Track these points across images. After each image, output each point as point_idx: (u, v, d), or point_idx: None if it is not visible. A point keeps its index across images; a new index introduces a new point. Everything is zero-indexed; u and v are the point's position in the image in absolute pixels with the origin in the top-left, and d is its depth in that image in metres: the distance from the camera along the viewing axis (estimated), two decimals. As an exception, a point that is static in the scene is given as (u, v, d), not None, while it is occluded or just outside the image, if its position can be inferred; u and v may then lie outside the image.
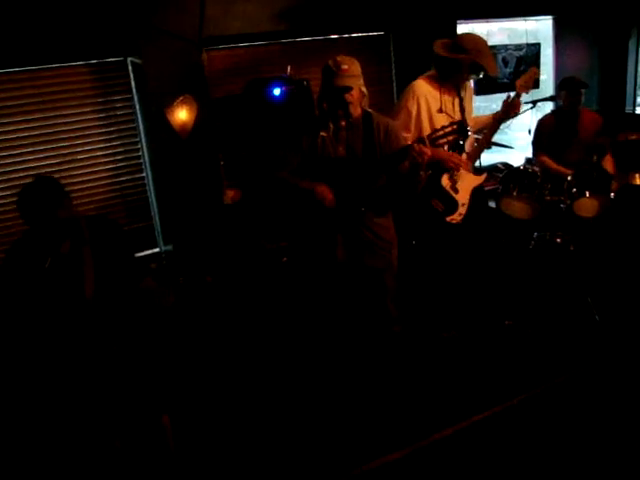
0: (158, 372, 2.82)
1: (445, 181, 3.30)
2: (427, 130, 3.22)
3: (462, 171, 3.31)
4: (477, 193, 3.45)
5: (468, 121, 3.39)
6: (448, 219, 3.30)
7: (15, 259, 2.63)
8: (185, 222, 4.44)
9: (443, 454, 2.76)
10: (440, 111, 3.31)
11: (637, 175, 4.37)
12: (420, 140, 2.66)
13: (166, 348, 2.97)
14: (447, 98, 3.34)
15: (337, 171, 2.82)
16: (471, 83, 3.60)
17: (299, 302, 3.53)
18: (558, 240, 4.04)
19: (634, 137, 4.08)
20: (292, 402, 3.22)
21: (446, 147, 3.20)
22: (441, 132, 2.73)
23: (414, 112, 3.29)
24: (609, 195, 3.91)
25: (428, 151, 2.64)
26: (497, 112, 3.47)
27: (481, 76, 3.37)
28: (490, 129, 3.42)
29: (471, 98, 3.58)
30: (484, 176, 3.45)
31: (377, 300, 3.11)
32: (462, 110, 3.38)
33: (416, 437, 2.84)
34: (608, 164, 4.22)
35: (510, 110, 3.39)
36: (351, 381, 3.22)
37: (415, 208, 3.37)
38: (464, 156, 3.32)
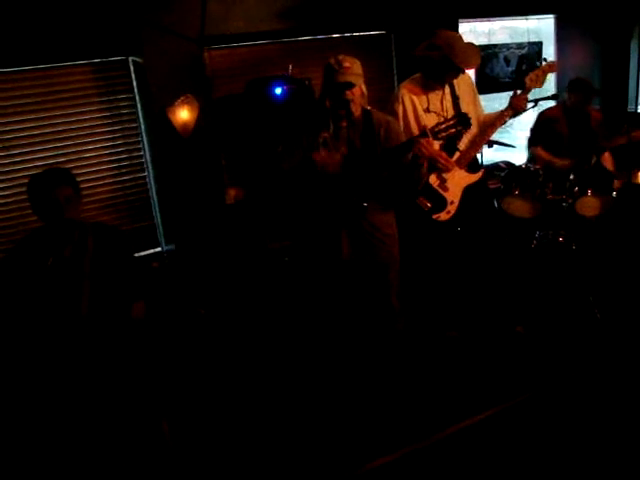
0: (156, 376, 2.81)
1: (433, 179, 3.29)
2: (415, 130, 3.21)
3: (453, 169, 3.29)
4: (480, 191, 3.42)
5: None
6: (434, 217, 3.29)
7: (17, 256, 2.63)
8: (187, 221, 4.44)
9: (443, 454, 2.76)
10: (427, 110, 3.30)
11: (639, 174, 4.37)
12: (423, 134, 2.66)
13: (166, 351, 2.96)
14: (434, 97, 3.32)
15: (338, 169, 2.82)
16: (472, 81, 3.53)
17: (303, 300, 3.54)
18: (560, 239, 4.04)
19: (636, 135, 4.07)
20: (294, 400, 3.22)
21: (439, 144, 3.19)
22: (443, 125, 2.73)
23: (400, 113, 3.29)
24: (611, 194, 3.91)
25: (431, 143, 2.64)
26: (504, 109, 3.41)
27: (468, 71, 3.32)
28: (492, 127, 3.38)
29: (473, 97, 3.52)
30: (479, 174, 3.39)
31: (381, 296, 3.11)
32: (456, 108, 3.33)
33: (417, 437, 2.84)
34: (607, 162, 4.22)
35: (516, 107, 3.36)
36: (353, 380, 3.22)
37: (402, 206, 3.35)
38: (457, 155, 3.30)
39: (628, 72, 6.25)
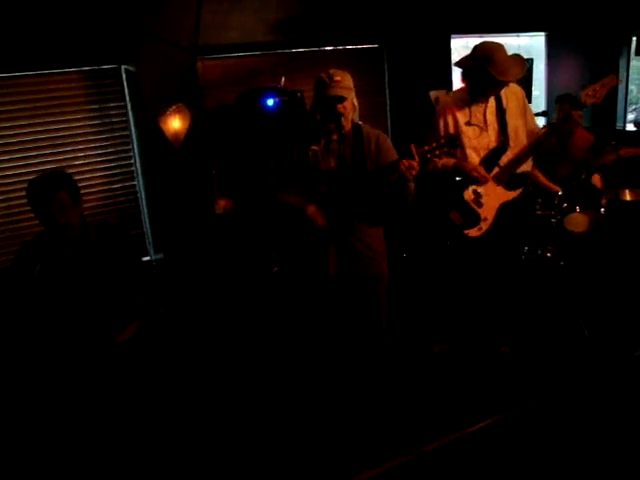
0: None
1: (468, 194, 3.24)
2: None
3: (491, 184, 3.23)
4: (514, 208, 3.33)
5: (516, 133, 3.28)
6: (465, 232, 3.26)
7: (19, 260, 2.62)
8: (176, 230, 4.42)
9: (429, 468, 2.74)
10: (469, 124, 3.24)
11: (627, 191, 4.41)
12: (410, 155, 2.64)
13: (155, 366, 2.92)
14: (477, 110, 3.24)
15: (327, 183, 2.82)
16: (523, 94, 3.38)
17: (289, 312, 3.52)
18: (548, 255, 4.06)
19: (624, 153, 4.11)
20: (279, 413, 3.20)
21: (478, 160, 3.16)
22: (431, 146, 2.69)
23: (441, 126, 3.25)
24: (599, 210, 3.94)
25: (415, 164, 2.62)
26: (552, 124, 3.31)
27: (508, 84, 3.18)
28: (536, 142, 3.24)
29: (522, 110, 3.34)
30: (518, 191, 3.28)
31: (368, 311, 3.10)
32: (502, 122, 3.26)
33: (402, 450, 2.83)
34: (597, 182, 4.25)
35: (567, 123, 3.26)
36: (338, 393, 3.20)
37: (433, 219, 3.30)
38: (495, 170, 3.26)
39: (617, 90, 6.33)
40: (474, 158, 3.21)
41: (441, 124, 3.27)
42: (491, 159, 3.23)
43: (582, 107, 3.27)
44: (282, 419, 3.17)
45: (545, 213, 3.97)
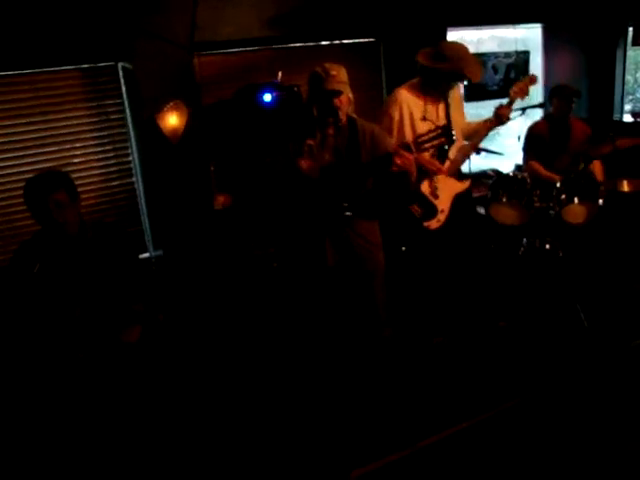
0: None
1: (425, 187, 3.30)
2: (409, 136, 3.22)
3: (444, 177, 3.31)
4: (463, 199, 3.45)
5: (456, 128, 3.37)
6: (425, 224, 3.30)
7: (17, 260, 2.62)
8: (175, 227, 4.43)
9: (430, 461, 2.76)
10: (423, 119, 3.30)
11: (625, 182, 4.42)
12: (406, 146, 2.65)
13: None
14: (431, 106, 3.33)
15: (323, 176, 2.82)
16: (460, 90, 3.58)
17: (289, 307, 3.53)
18: (547, 246, 4.07)
19: (621, 144, 4.11)
20: (279, 407, 3.21)
21: (429, 153, 3.20)
22: (426, 137, 2.71)
23: (396, 118, 3.29)
24: (597, 202, 3.94)
25: (410, 157, 2.62)
26: (488, 118, 3.46)
27: (465, 83, 3.37)
28: (478, 135, 3.42)
29: (459, 105, 3.56)
30: (468, 183, 3.44)
31: (367, 304, 3.11)
32: (448, 117, 3.36)
33: (403, 444, 2.84)
34: (597, 171, 4.25)
35: (501, 117, 3.39)
36: (338, 387, 3.22)
37: (394, 212, 3.35)
38: (447, 163, 3.31)
39: (614, 81, 6.33)
40: (425, 153, 3.22)
41: (396, 115, 3.31)
42: (441, 153, 3.30)
43: (512, 103, 3.42)
44: (281, 412, 3.18)
45: (543, 205, 3.98)
